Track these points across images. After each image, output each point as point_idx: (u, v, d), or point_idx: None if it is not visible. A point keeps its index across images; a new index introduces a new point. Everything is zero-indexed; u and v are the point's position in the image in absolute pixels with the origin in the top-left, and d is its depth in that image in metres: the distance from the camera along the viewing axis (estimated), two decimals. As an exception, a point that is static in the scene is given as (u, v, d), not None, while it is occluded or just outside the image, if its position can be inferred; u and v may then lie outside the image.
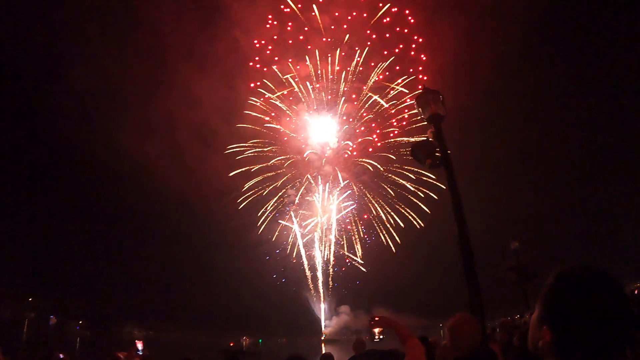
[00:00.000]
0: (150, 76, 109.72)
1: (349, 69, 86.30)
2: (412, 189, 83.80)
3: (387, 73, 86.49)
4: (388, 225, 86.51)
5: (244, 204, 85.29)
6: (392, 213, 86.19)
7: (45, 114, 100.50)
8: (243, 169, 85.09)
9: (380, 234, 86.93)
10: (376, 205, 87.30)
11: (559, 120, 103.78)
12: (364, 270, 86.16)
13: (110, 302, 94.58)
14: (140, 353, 6.21)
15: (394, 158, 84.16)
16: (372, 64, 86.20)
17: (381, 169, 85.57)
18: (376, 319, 3.76)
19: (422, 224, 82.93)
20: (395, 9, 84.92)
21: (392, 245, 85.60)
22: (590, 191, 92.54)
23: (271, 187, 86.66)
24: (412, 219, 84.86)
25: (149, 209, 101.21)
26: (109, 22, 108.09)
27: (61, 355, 8.99)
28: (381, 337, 3.77)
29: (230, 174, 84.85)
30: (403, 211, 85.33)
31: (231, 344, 69.46)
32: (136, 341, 6.43)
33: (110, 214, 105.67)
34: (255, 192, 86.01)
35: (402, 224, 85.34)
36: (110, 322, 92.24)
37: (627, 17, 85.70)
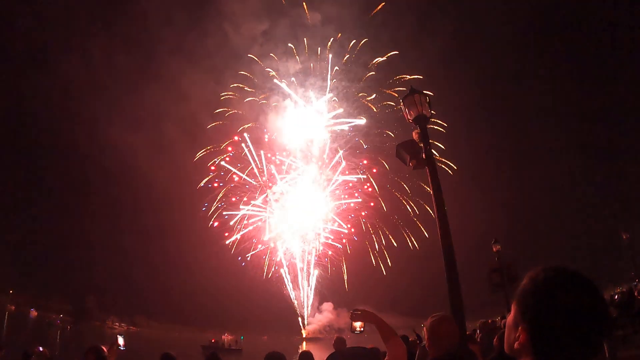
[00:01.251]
0: (137, 68, 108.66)
1: (337, 68, 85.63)
2: (406, 204, 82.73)
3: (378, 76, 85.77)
4: (377, 244, 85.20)
5: (215, 216, 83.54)
6: (384, 227, 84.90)
7: (29, 104, 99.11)
8: (219, 173, 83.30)
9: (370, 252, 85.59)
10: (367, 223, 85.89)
11: (544, 122, 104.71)
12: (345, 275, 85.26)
13: (91, 297, 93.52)
14: (122, 348, 6.14)
15: (387, 168, 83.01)
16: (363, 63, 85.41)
17: (372, 180, 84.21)
18: (358, 312, 3.80)
19: (416, 244, 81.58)
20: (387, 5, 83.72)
21: (382, 266, 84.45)
22: (573, 196, 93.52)
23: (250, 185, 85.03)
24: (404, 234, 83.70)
25: (132, 203, 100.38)
26: (97, 12, 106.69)
27: (41, 349, 8.90)
28: (361, 330, 3.81)
29: (199, 186, 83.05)
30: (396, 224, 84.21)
31: (212, 340, 68.94)
32: (118, 336, 6.35)
33: (93, 208, 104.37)
34: (229, 199, 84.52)
35: (393, 241, 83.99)
36: (91, 316, 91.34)
37: (621, 20, 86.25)
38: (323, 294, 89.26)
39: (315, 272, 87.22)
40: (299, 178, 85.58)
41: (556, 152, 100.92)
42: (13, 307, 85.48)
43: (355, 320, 3.79)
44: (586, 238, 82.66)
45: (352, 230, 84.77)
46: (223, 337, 76.11)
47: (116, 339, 6.31)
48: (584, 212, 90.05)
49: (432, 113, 7.44)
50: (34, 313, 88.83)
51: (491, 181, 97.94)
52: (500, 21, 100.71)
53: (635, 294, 20.08)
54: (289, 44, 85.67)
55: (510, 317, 1.62)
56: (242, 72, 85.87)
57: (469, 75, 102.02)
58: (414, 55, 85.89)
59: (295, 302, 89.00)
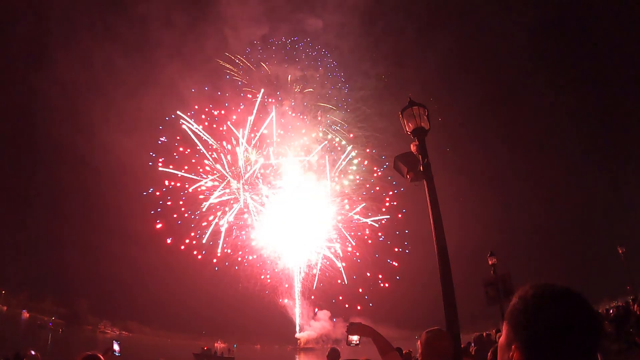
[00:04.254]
0: (136, 71, 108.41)
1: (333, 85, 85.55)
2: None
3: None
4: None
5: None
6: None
7: (28, 106, 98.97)
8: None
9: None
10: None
11: (539, 135, 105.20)
12: (344, 282, 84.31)
13: (84, 300, 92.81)
14: (118, 354, 6.10)
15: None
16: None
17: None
18: (355, 325, 3.81)
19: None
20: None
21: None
22: (570, 210, 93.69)
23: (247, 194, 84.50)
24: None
25: (129, 208, 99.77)
26: (97, 15, 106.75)
27: (33, 352, 8.84)
28: (357, 343, 3.82)
29: (194, 207, 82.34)
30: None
31: (205, 348, 68.39)
32: (113, 341, 6.31)
33: (89, 211, 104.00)
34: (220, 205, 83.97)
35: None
36: (83, 320, 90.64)
37: (622, 33, 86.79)
38: (319, 304, 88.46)
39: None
40: (297, 188, 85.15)
41: (554, 165, 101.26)
42: (5, 308, 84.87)
43: (352, 334, 3.81)
44: (582, 252, 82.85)
45: (353, 251, 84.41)
46: (216, 344, 75.61)
47: (111, 344, 6.28)
48: (580, 226, 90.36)
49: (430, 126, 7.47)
50: (25, 315, 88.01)
51: (488, 195, 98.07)
52: (501, 35, 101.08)
53: (635, 307, 20.01)
54: (289, 52, 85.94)
55: (502, 338, 1.64)
56: (237, 78, 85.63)
57: (468, 87, 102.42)
58: (414, 66, 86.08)
59: (290, 310, 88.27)
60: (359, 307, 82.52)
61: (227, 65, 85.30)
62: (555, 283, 1.56)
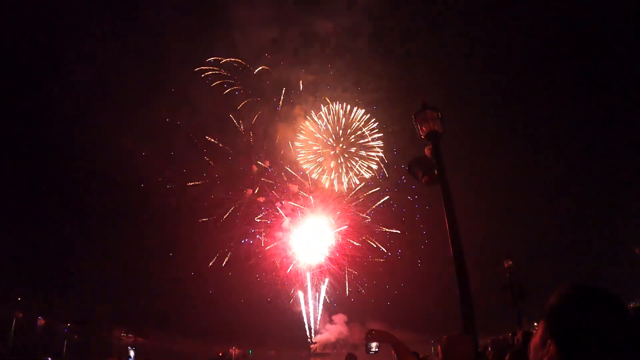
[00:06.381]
0: (147, 79, 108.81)
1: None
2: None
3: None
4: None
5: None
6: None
7: (39, 112, 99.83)
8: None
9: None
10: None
11: (556, 136, 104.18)
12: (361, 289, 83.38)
13: (100, 306, 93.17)
14: (132, 360, 6.14)
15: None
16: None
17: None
18: (373, 332, 3.80)
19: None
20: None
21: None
22: (585, 210, 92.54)
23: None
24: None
25: (142, 215, 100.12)
26: (107, 22, 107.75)
27: (50, 359, 8.89)
28: (376, 350, 3.82)
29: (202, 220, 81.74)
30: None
31: (220, 354, 68.36)
32: (129, 348, 6.35)
33: (103, 218, 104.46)
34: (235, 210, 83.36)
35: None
36: (99, 326, 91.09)
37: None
38: (333, 309, 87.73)
39: (324, 287, 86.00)
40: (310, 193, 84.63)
41: (569, 166, 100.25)
42: (21, 315, 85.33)
43: (371, 341, 3.81)
44: (597, 252, 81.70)
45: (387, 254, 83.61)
46: (231, 350, 75.29)
47: (127, 350, 6.31)
48: (596, 226, 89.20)
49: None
50: (41, 321, 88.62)
51: (504, 196, 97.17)
52: (516, 33, 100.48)
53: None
54: (299, 55, 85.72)
55: (536, 336, 1.65)
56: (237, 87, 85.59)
57: (483, 86, 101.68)
58: (427, 67, 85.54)
59: (305, 316, 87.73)
60: (374, 308, 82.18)
61: (233, 77, 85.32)
62: (594, 284, 1.57)
